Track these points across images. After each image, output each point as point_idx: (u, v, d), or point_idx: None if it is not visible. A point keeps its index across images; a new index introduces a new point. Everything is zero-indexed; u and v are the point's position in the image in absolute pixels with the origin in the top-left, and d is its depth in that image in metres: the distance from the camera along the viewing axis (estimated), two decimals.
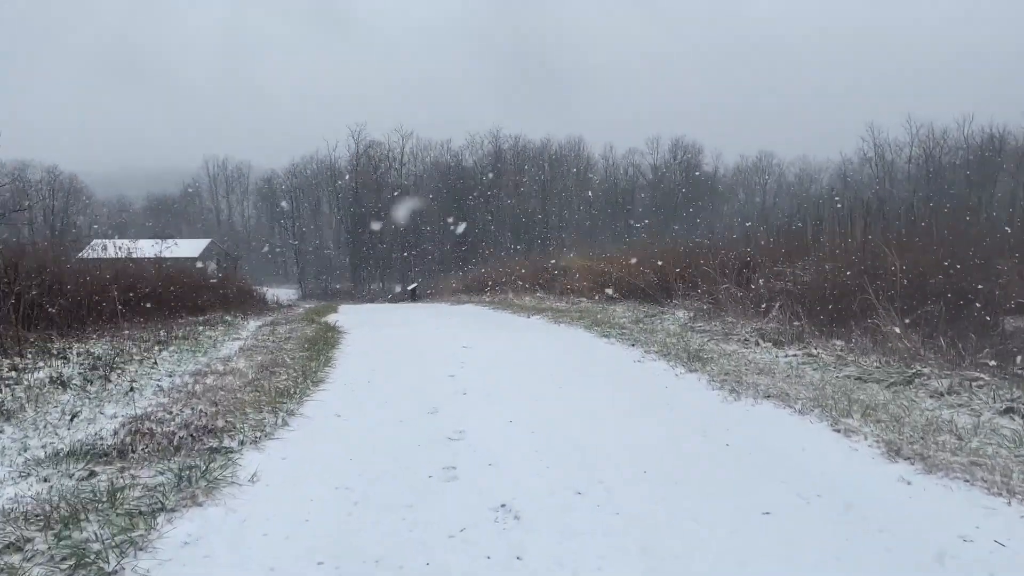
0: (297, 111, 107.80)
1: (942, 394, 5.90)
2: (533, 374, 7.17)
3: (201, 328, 12.50)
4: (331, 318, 15.86)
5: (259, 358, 8.42)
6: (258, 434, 4.93)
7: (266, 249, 73.80)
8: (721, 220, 70.52)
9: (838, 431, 4.97)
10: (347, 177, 65.90)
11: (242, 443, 4.70)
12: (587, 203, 70.74)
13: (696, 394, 6.32)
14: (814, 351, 7.93)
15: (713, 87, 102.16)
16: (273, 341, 10.23)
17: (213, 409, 5.51)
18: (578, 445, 4.66)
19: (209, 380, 7.06)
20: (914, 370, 6.40)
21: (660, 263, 15.23)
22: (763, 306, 11.33)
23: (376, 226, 60.38)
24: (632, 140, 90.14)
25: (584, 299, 16.84)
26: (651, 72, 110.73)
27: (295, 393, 6.24)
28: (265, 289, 37.60)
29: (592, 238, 65.48)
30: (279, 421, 5.30)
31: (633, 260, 17.92)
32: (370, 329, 12.31)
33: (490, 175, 66.35)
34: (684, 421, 5.31)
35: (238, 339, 11.02)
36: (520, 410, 5.60)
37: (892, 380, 6.41)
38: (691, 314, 11.51)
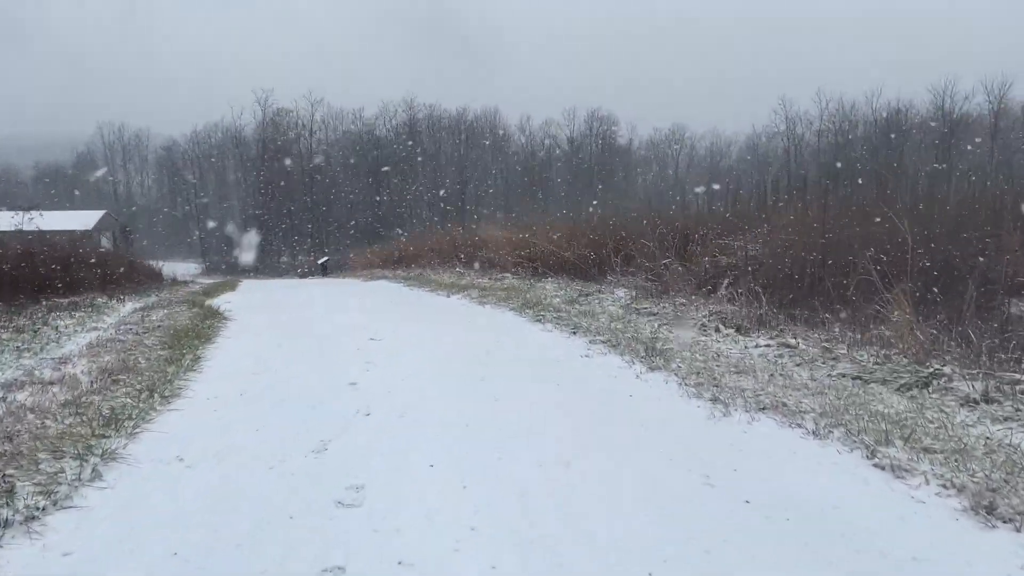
0: (199, 76, 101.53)
1: (976, 402, 4.64)
2: (459, 380, 5.56)
3: (55, 315, 10.34)
4: (223, 298, 13.82)
5: (107, 358, 6.51)
6: (42, 502, 3.17)
7: (160, 219, 69.39)
8: (636, 192, 70.37)
9: (881, 467, 3.60)
10: (253, 146, 62.04)
11: (5, 524, 2.94)
12: (504, 175, 69.17)
13: (670, 405, 4.87)
14: (790, 341, 6.63)
15: (628, 61, 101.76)
16: (137, 332, 8.26)
17: None
18: (528, 510, 3.10)
19: (22, 396, 5.17)
20: (931, 369, 5.13)
21: (593, 236, 13.84)
22: (711, 285, 10.08)
23: (284, 197, 57.13)
24: (549, 112, 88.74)
25: (508, 275, 15.31)
26: (565, 45, 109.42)
27: (131, 418, 4.46)
28: (161, 264, 34.60)
29: (510, 210, 64.13)
30: (86, 474, 3.53)
31: (557, 234, 16.51)
32: (263, 314, 10.43)
33: (407, 144, 63.80)
34: (669, 453, 3.83)
35: (96, 329, 8.97)
36: (444, 442, 4.00)
37: (903, 382, 5.13)
38: (632, 293, 10.13)
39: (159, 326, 8.85)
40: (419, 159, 64.79)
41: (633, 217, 14.42)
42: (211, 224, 64.15)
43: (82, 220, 61.74)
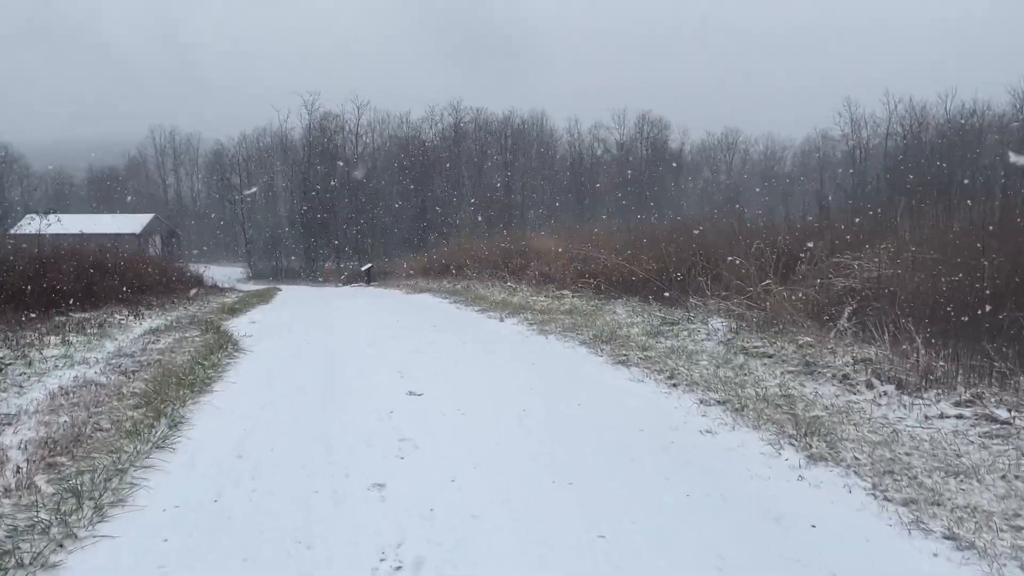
0: (247, 81, 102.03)
1: None
2: (532, 486, 3.70)
3: (51, 338, 8.86)
4: (250, 316, 12.31)
5: (63, 419, 4.88)
6: None
7: (208, 223, 69.31)
8: (690, 198, 67.86)
9: None
10: (300, 150, 61.33)
11: None
12: (551, 179, 67.33)
13: (886, 550, 2.98)
14: (997, 412, 4.67)
15: (681, 63, 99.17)
16: (125, 372, 6.64)
17: None
18: None
19: None
20: None
21: (667, 249, 11.93)
22: (828, 314, 8.11)
23: (330, 202, 56.20)
24: (597, 115, 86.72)
25: (568, 293, 13.47)
26: (614, 48, 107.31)
27: None
28: (203, 269, 33.68)
29: (557, 216, 62.26)
30: None
31: (619, 246, 14.63)
32: (287, 342, 8.78)
33: (453, 148, 62.43)
34: None
35: (85, 363, 7.40)
36: None
37: None
38: (731, 324, 8.20)
39: (157, 360, 7.25)
40: (464, 162, 63.40)
41: (716, 229, 12.45)
42: (257, 229, 63.65)
43: (131, 224, 61.78)
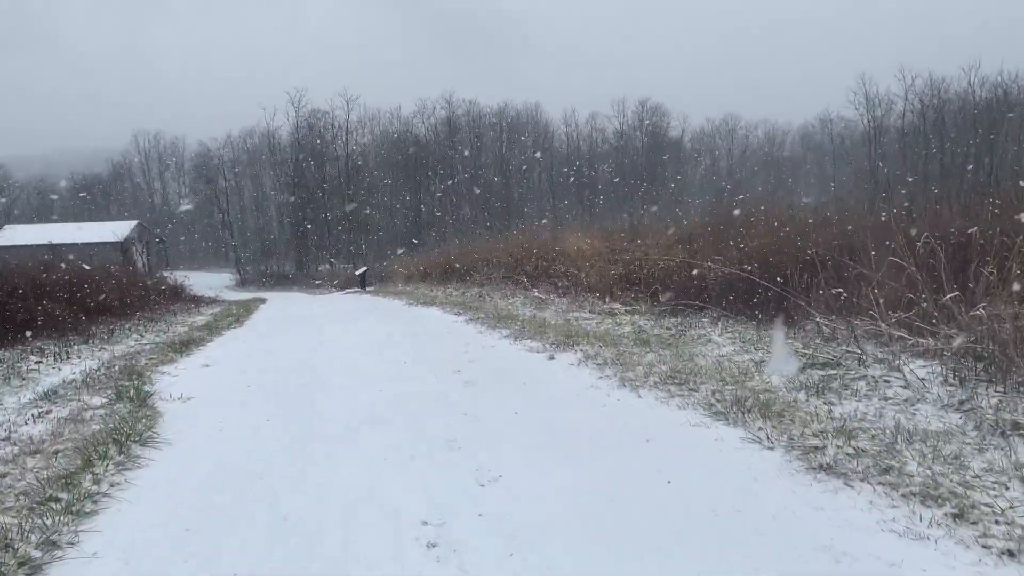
0: (235, 82, 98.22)
1: None
2: None
3: None
4: (206, 354, 9.17)
5: None
6: None
7: (197, 228, 65.99)
8: (690, 186, 64.78)
9: None
10: (288, 150, 57.94)
11: None
12: (549, 172, 64.15)
13: None
14: None
15: (678, 48, 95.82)
16: None
17: None
18: None
19: None
20: None
21: (751, 245, 8.84)
22: None
23: (321, 203, 52.90)
24: (594, 105, 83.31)
25: (617, 305, 10.35)
26: (611, 35, 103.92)
27: None
28: (183, 278, 30.48)
29: (556, 209, 59.13)
30: None
31: (665, 242, 11.55)
32: (239, 407, 5.63)
33: (447, 143, 59.15)
34: None
35: None
36: None
37: None
38: (940, 368, 5.08)
39: (15, 458, 4.13)
40: (459, 157, 60.14)
41: (839, 217, 9.34)
42: (247, 233, 60.34)
43: (114, 231, 58.21)
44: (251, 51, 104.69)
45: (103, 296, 15.97)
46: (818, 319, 7.02)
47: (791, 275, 7.99)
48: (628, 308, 10.09)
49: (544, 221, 49.94)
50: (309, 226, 53.03)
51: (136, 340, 11.81)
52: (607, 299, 11.21)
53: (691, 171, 71.15)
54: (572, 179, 62.80)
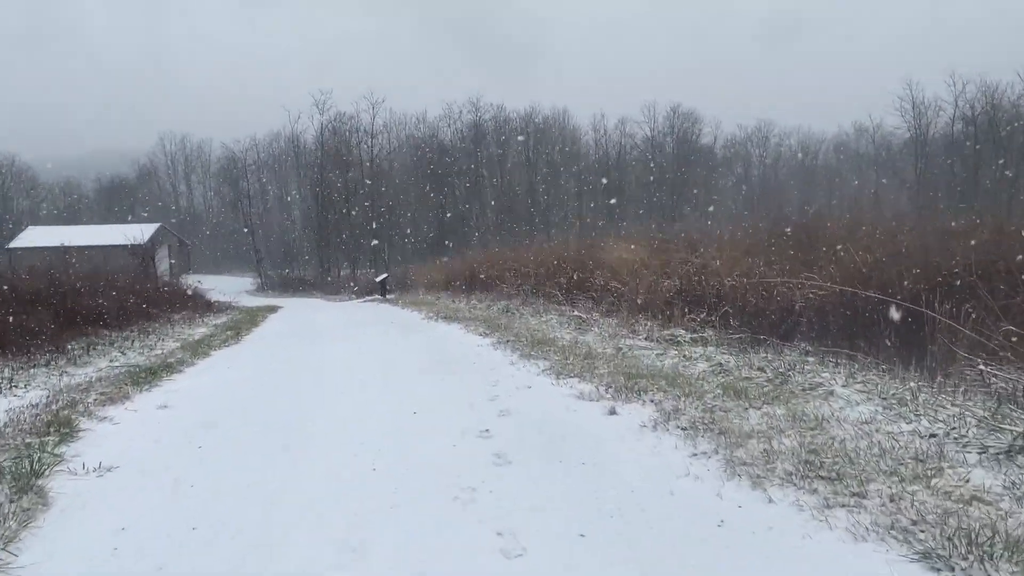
0: (262, 87, 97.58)
1: None
2: None
3: None
4: (176, 384, 7.39)
5: None
6: None
7: (221, 231, 64.93)
8: (723, 194, 62.38)
9: None
10: (312, 154, 56.50)
11: None
12: (577, 177, 62.10)
13: None
14: None
15: (711, 54, 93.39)
16: None
17: None
18: None
19: None
20: None
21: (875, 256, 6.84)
22: None
23: (344, 207, 51.34)
24: (624, 110, 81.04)
25: (682, 332, 8.37)
26: (643, 41, 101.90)
27: None
28: (198, 282, 28.98)
29: (584, 217, 57.09)
30: None
31: (734, 252, 9.57)
32: (173, 478, 3.79)
33: (473, 148, 57.41)
34: None
35: None
36: None
37: None
38: None
39: None
40: (485, 163, 58.35)
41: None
42: (270, 237, 59.07)
43: (136, 234, 57.15)
44: (277, 55, 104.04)
45: (98, 303, 14.37)
46: (983, 366, 5.01)
47: (929, 300, 5.98)
48: (694, 336, 8.12)
49: (576, 228, 48.04)
50: (331, 231, 51.50)
51: (112, 360, 10.07)
52: (666, 322, 9.24)
53: (722, 179, 68.74)
54: (603, 184, 60.74)
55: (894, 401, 4.79)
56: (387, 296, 27.90)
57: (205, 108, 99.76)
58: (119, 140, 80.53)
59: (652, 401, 5.36)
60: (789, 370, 5.87)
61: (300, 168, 58.50)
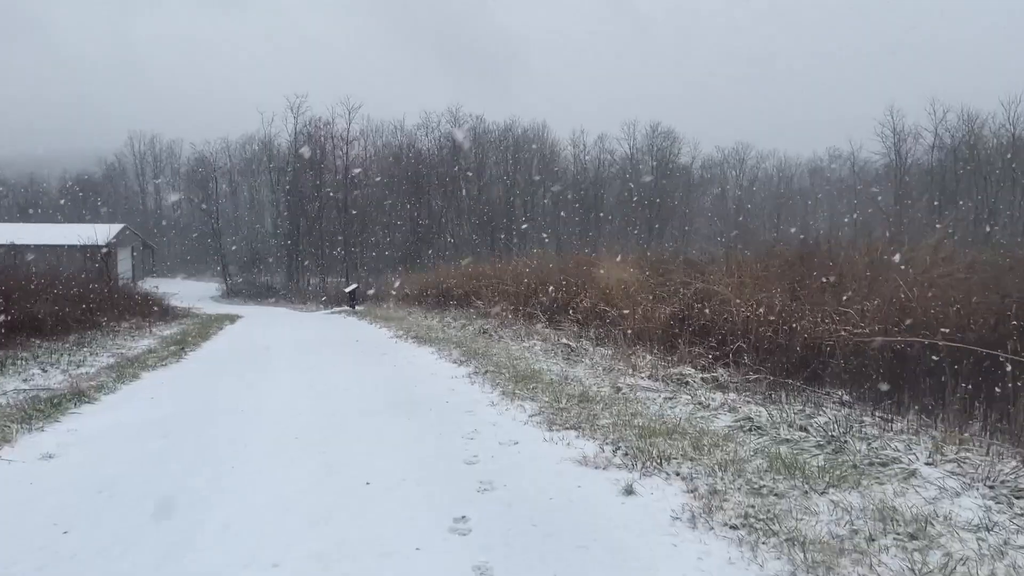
0: (237, 93, 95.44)
1: None
2: None
3: None
4: (77, 424, 6.00)
5: None
6: None
7: (190, 235, 62.92)
8: (700, 215, 61.83)
9: None
10: (285, 159, 54.75)
11: None
12: (553, 194, 61.08)
13: None
14: None
15: (690, 76, 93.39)
16: None
17: None
18: None
19: None
20: None
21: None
22: None
23: (315, 214, 49.69)
24: (605, 127, 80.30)
25: (690, 369, 7.15)
26: (622, 59, 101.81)
27: None
28: (155, 287, 27.34)
29: (559, 233, 56.03)
30: None
31: (745, 277, 8.43)
32: None
33: (450, 159, 56.13)
34: None
35: None
36: None
37: None
38: None
39: None
40: (462, 174, 57.07)
41: None
42: (233, 242, 57.09)
43: (97, 234, 54.77)
44: (251, 57, 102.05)
45: (30, 308, 12.83)
46: None
47: (1001, 342, 4.83)
48: (705, 376, 6.90)
49: (555, 243, 46.94)
50: (302, 238, 49.82)
51: (26, 380, 8.61)
52: (666, 354, 8.02)
53: (698, 200, 68.24)
54: (578, 204, 59.79)
55: (1005, 491, 3.60)
56: (356, 308, 26.43)
57: (176, 108, 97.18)
58: (87, 139, 77.70)
59: (678, 474, 4.12)
60: (844, 433, 4.65)
61: (272, 172, 56.69)
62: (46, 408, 6.30)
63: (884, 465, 4.09)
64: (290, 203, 50.69)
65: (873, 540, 3.12)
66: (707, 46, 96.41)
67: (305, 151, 49.87)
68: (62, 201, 70.61)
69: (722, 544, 3.19)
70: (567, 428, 5.34)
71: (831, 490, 3.77)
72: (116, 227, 55.46)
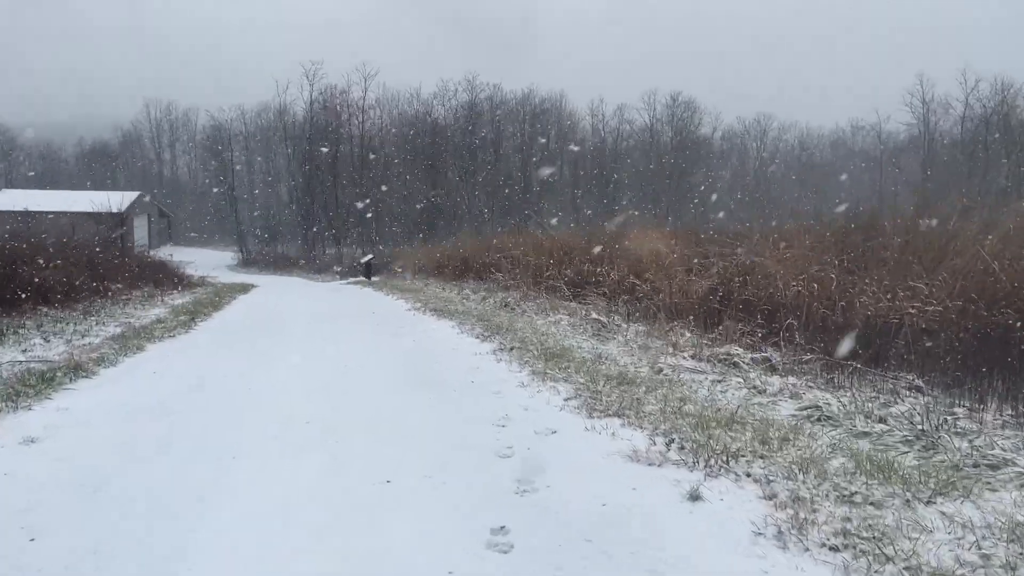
0: (250, 54, 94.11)
1: None
2: None
3: None
4: (56, 406, 5.47)
5: None
6: None
7: (207, 203, 62.53)
8: (721, 188, 60.56)
9: None
10: (301, 127, 53.95)
11: None
12: (572, 164, 60.04)
13: None
14: None
15: (711, 45, 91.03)
16: None
17: None
18: None
19: None
20: None
21: None
22: None
23: (331, 184, 49.10)
24: (624, 98, 78.42)
25: (737, 349, 6.52)
26: (639, 28, 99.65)
27: None
28: (170, 255, 26.87)
29: (577, 206, 55.11)
30: None
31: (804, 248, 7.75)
32: None
33: (467, 128, 55.17)
34: None
35: None
36: None
37: None
38: None
39: None
40: (480, 144, 56.11)
41: None
42: (251, 210, 56.72)
43: (113, 202, 54.59)
44: (267, 24, 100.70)
45: (41, 275, 12.38)
46: None
47: None
48: (755, 356, 6.26)
49: (573, 215, 46.05)
50: (317, 207, 49.28)
51: (26, 350, 8.15)
52: (704, 332, 7.39)
53: (718, 171, 66.90)
54: (596, 173, 58.74)
55: None
56: (372, 279, 25.91)
57: (192, 75, 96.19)
58: (105, 106, 77.07)
59: (749, 475, 3.51)
60: (937, 427, 4.02)
61: (288, 141, 55.96)
62: (37, 383, 5.78)
63: (994, 468, 3.47)
64: (306, 172, 50.05)
65: (1014, 570, 2.51)
66: (729, 15, 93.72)
67: (321, 117, 49.12)
68: (79, 169, 70.44)
69: (824, 572, 2.58)
70: (609, 415, 4.74)
71: (938, 499, 3.15)
72: (132, 195, 55.12)
